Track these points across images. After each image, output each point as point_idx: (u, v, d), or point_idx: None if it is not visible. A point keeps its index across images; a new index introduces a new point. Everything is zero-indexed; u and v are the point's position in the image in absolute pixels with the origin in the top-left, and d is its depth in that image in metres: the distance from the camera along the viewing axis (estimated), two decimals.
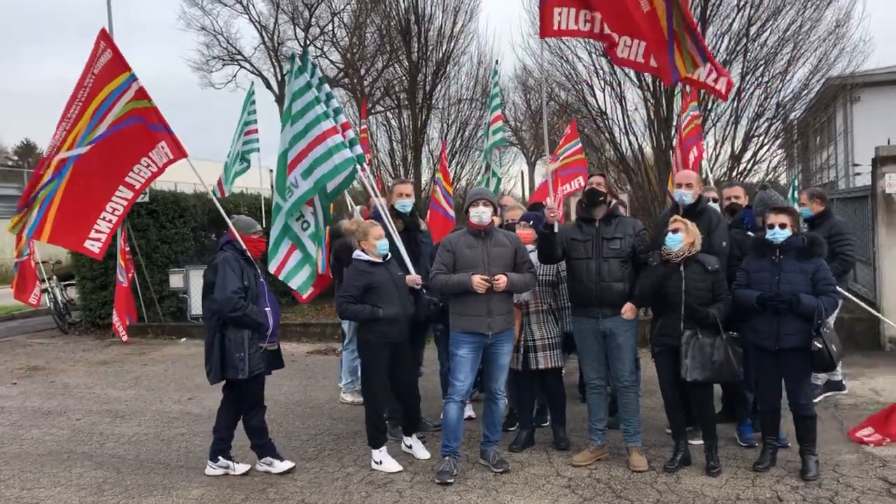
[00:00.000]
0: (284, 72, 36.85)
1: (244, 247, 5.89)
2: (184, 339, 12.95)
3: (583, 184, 9.35)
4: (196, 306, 13.52)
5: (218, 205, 6.95)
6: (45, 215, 6.32)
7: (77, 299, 14.83)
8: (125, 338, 12.50)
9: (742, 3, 13.11)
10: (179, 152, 6.19)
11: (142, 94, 6.13)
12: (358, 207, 7.86)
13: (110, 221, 6.35)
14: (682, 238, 5.48)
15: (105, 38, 6.19)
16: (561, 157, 10.08)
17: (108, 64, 6.13)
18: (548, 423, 6.54)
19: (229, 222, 6.11)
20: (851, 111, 19.01)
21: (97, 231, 6.34)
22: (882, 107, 17.72)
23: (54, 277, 14.99)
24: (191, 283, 13.48)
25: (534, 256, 6.01)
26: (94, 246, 6.38)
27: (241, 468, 5.95)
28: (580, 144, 10.57)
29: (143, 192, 6.43)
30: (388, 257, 5.97)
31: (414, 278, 6.22)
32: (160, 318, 13.69)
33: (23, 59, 73.13)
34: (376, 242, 5.87)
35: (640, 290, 5.63)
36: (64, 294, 14.93)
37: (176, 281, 13.67)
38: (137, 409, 8.22)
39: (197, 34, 38.44)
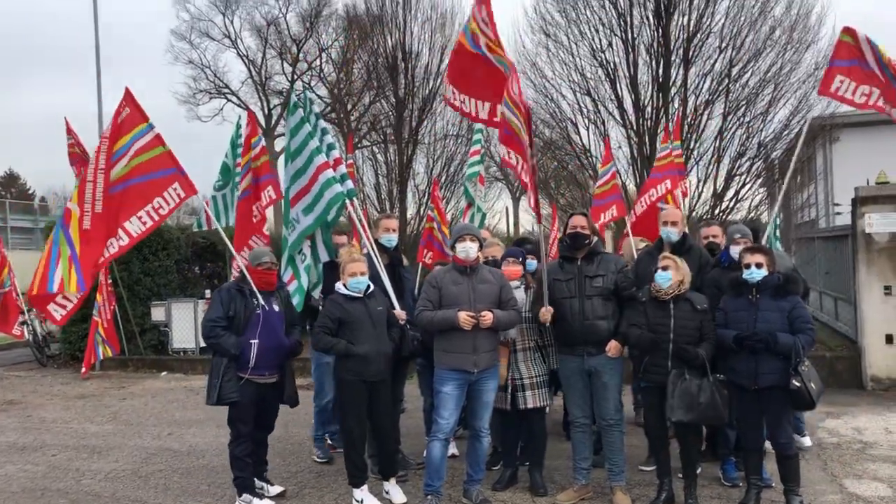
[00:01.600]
0: (272, 106, 37.11)
1: (248, 277, 5.97)
2: (164, 373, 12.79)
3: (616, 214, 9.20)
4: (178, 340, 13.40)
5: (224, 236, 7.17)
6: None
7: (56, 331, 14.64)
8: (84, 372, 12.29)
9: (724, 44, 13.39)
10: (191, 190, 6.39)
11: (158, 140, 6.36)
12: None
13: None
14: (671, 276, 5.52)
15: (127, 96, 6.46)
16: (595, 186, 9.77)
17: (126, 118, 6.41)
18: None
19: (235, 253, 6.45)
20: (831, 151, 19.28)
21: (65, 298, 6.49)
22: (860, 147, 18.00)
23: (34, 310, 14.79)
24: (173, 316, 13.37)
25: (519, 293, 6.00)
26: (57, 313, 6.50)
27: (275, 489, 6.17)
28: (615, 168, 10.03)
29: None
30: (370, 290, 5.94)
31: (400, 313, 6.19)
32: (141, 352, 13.53)
33: (5, 88, 72.99)
34: (349, 279, 5.86)
35: (631, 332, 5.64)
36: (43, 326, 14.73)
37: (158, 314, 13.55)
38: (115, 445, 8.09)
39: (184, 67, 38.65)
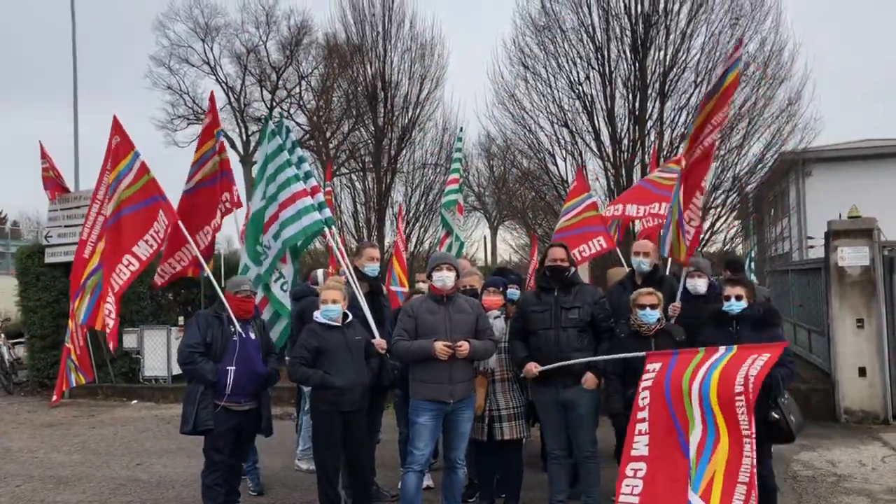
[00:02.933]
0: (250, 132, 37.10)
1: (226, 304, 5.97)
2: (135, 402, 12.57)
3: (605, 245, 8.78)
4: (150, 367, 13.18)
5: (203, 264, 7.09)
6: (97, 302, 7.25)
7: (24, 358, 14.35)
8: (55, 399, 12.06)
9: (699, 79, 13.61)
10: (172, 217, 6.62)
11: (144, 169, 6.61)
12: (321, 270, 7.78)
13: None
14: (658, 314, 5.54)
15: (115, 125, 6.79)
16: (567, 215, 9.21)
17: (117, 147, 6.75)
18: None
19: (213, 280, 6.60)
20: (804, 185, 19.62)
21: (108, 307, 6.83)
22: (833, 182, 18.35)
23: (2, 335, 14.53)
24: (145, 343, 13.16)
25: (498, 323, 5.98)
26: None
27: None
28: (593, 199, 9.41)
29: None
30: (349, 320, 5.88)
31: (380, 342, 6.13)
32: (111, 379, 13.28)
33: None
34: (321, 306, 5.81)
35: (612, 372, 5.63)
36: (11, 352, 14.44)
37: (129, 341, 13.32)
38: (83, 475, 7.89)
39: (163, 93, 38.55)
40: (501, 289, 6.27)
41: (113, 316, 6.77)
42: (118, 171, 6.66)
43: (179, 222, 6.78)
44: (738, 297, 5.45)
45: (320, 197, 6.77)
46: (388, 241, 17.11)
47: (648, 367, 5.01)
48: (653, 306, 5.56)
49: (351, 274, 6.43)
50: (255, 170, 7.33)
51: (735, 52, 6.65)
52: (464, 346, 5.42)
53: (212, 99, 8.04)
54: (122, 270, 6.63)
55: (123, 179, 6.63)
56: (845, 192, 16.18)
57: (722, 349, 4.76)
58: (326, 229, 6.65)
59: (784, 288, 14.78)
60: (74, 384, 12.17)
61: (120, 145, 6.72)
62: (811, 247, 17.12)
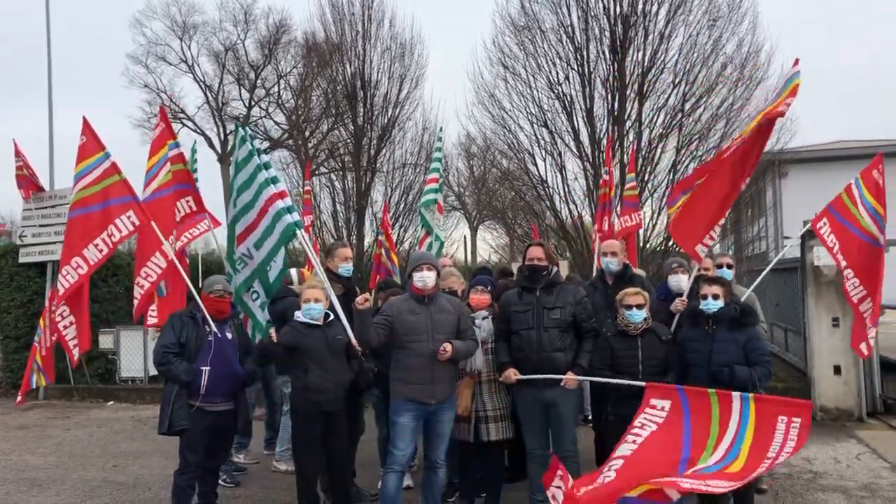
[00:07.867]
0: (228, 132, 36.86)
1: (201, 304, 5.94)
2: (111, 403, 12.42)
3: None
4: (126, 368, 13.04)
5: (177, 263, 7.05)
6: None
7: None
8: (19, 401, 11.85)
9: (677, 80, 13.72)
10: (145, 218, 6.53)
11: (114, 168, 6.53)
12: (294, 270, 7.72)
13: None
14: (645, 313, 5.55)
15: (84, 125, 6.71)
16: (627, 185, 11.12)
17: (82, 147, 6.66)
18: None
19: (188, 281, 6.81)
20: (780, 186, 19.82)
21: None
22: (809, 182, 18.53)
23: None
24: (121, 344, 13.00)
25: (486, 324, 5.94)
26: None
27: None
28: (634, 181, 11.31)
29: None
30: (330, 319, 5.84)
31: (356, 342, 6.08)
32: (87, 380, 13.11)
33: None
34: (303, 305, 5.78)
35: (600, 366, 5.64)
36: None
37: (106, 341, 13.14)
38: (57, 478, 7.80)
39: (140, 91, 38.19)
40: (489, 287, 6.21)
41: (76, 342, 6.76)
42: (77, 171, 6.59)
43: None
44: (716, 297, 5.48)
45: (288, 200, 6.67)
46: (367, 240, 17.09)
47: (655, 402, 5.06)
48: (639, 306, 5.57)
49: (324, 276, 6.37)
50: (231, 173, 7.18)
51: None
52: (447, 350, 5.39)
53: (162, 111, 8.15)
54: (69, 273, 6.52)
55: (81, 180, 6.54)
56: (821, 193, 16.33)
57: (737, 407, 4.79)
58: (298, 231, 6.56)
59: (761, 287, 14.89)
60: (35, 385, 11.98)
61: (86, 145, 6.64)
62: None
